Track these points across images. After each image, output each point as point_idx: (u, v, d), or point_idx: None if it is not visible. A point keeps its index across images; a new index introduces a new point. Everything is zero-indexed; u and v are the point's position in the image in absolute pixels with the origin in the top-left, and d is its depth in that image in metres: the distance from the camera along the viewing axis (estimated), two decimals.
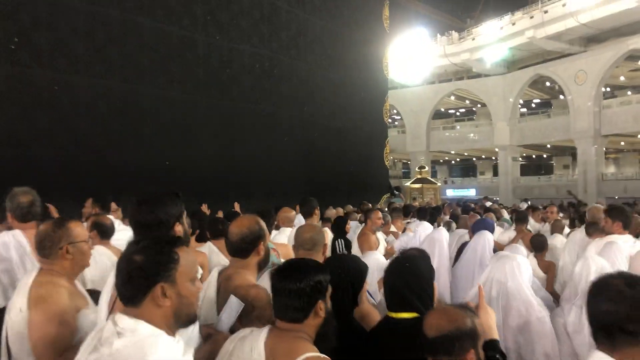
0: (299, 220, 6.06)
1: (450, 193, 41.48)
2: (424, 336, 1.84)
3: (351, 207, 10.75)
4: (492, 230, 5.53)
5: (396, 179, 42.46)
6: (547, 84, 40.23)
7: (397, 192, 15.76)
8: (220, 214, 6.92)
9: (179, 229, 2.30)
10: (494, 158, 42.37)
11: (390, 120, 50.25)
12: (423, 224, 7.50)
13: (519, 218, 6.99)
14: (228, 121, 11.08)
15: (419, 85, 41.58)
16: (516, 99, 37.91)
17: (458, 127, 44.31)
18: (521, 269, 3.42)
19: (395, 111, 46.41)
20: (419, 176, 24.94)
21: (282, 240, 5.03)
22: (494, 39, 34.91)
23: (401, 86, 42.72)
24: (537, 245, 5.49)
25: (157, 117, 9.95)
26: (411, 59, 38.63)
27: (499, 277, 3.40)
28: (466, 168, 55.74)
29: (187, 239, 2.53)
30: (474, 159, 52.54)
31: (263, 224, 2.75)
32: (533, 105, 45.89)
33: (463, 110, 49.56)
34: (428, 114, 41.88)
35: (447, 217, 9.84)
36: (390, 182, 17.58)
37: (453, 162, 55.88)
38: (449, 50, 37.83)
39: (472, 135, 41.97)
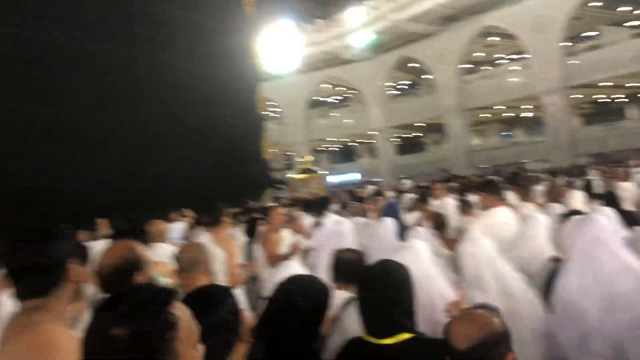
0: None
1: (336, 179, 41.98)
2: (454, 351, 1.55)
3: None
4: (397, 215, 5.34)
5: (281, 172, 42.32)
6: (414, 65, 41.81)
7: (281, 186, 15.20)
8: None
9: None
10: (372, 141, 43.46)
11: (272, 113, 50.30)
12: (331, 216, 6.94)
13: (420, 198, 6.96)
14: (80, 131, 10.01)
15: (292, 76, 41.53)
16: (384, 82, 39.00)
17: (334, 115, 44.88)
18: (420, 257, 3.07)
19: (275, 103, 46.22)
20: (302, 166, 24.77)
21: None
22: (359, 25, 35.60)
23: (276, 77, 42.48)
24: (440, 224, 5.29)
25: None
26: (281, 49, 38.45)
27: None
28: (347, 154, 56.77)
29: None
30: (355, 143, 53.62)
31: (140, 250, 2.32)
32: (405, 87, 47.51)
33: (341, 98, 50.28)
34: (303, 104, 42.00)
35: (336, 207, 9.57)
36: (272, 175, 16.65)
37: (333, 148, 56.67)
38: (317, 38, 38.13)
39: (348, 121, 42.70)
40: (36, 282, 1.77)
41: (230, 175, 13.21)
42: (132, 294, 1.13)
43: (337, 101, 50.35)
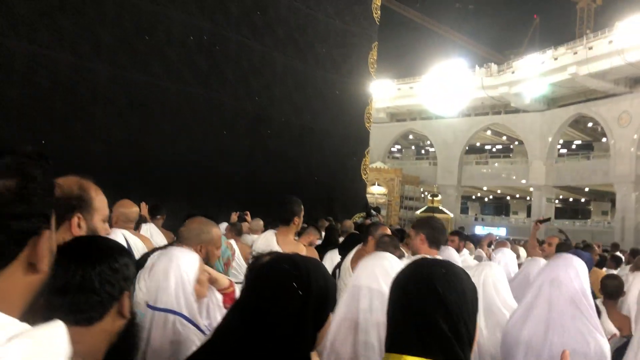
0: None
1: (480, 231, 39.72)
2: None
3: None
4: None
5: (425, 212, 41.14)
6: (590, 124, 38.54)
7: (374, 213, 13.86)
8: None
9: None
10: (528, 198, 40.56)
11: (423, 152, 49.48)
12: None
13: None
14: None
15: (454, 117, 40.43)
16: (555, 138, 36.31)
17: (492, 163, 42.70)
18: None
19: (428, 142, 45.35)
20: (430, 205, 23.38)
21: None
22: (534, 74, 33.58)
23: (435, 117, 41.68)
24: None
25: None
26: (447, 90, 37.61)
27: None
28: (499, 206, 53.77)
29: None
30: (508, 197, 50.66)
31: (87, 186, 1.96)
32: (573, 146, 44.00)
33: (500, 146, 47.98)
34: (461, 147, 40.57)
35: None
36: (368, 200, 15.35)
37: (486, 199, 54.04)
38: (487, 82, 36.63)
39: (506, 172, 40.35)
40: None
41: (320, 188, 12.14)
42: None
43: (497, 150, 47.94)
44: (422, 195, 46.61)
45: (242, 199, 9.27)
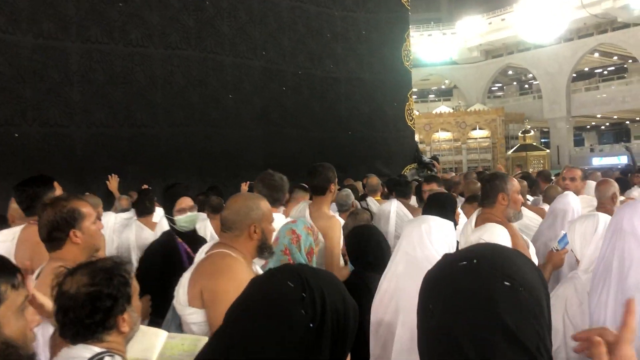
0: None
1: (597, 162, 36.92)
2: None
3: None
4: None
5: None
6: None
7: (429, 162, 12.03)
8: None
9: None
10: None
11: (527, 86, 46.52)
12: None
13: None
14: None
15: (555, 44, 37.45)
16: None
17: (604, 87, 39.21)
18: None
19: (530, 75, 42.57)
20: (522, 142, 21.67)
21: None
22: None
23: (534, 46, 38.95)
24: None
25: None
26: (542, 15, 34.83)
27: None
28: (619, 133, 49.64)
29: None
30: (627, 122, 46.55)
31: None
32: None
33: (612, 68, 43.93)
34: (567, 76, 37.59)
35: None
36: (418, 148, 13.08)
37: (602, 127, 50.08)
38: (587, 0, 33.35)
39: (621, 95, 36.89)
40: None
41: (359, 140, 10.88)
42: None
43: (608, 73, 43.94)
44: (531, 133, 44.19)
45: (260, 166, 8.11)
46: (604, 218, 2.53)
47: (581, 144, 47.01)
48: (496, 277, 0.93)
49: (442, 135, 37.08)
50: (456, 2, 42.42)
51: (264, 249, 2.39)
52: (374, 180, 7.12)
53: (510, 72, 46.94)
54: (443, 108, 39.80)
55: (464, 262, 0.97)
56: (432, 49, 41.88)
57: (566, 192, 4.41)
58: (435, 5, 44.40)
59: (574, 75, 39.66)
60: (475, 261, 0.96)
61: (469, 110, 38.21)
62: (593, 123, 47.31)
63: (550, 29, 35.64)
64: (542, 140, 45.21)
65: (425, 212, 3.08)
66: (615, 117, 43.82)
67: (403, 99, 12.17)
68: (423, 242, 2.43)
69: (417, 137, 14.98)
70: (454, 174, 13.20)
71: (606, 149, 40.84)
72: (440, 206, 3.30)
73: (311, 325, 1.00)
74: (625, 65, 41.84)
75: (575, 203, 4.14)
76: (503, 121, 34.99)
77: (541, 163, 19.96)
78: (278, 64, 9.63)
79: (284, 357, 0.98)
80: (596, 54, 40.26)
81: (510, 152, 22.97)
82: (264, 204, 2.41)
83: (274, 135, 9.34)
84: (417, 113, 35.83)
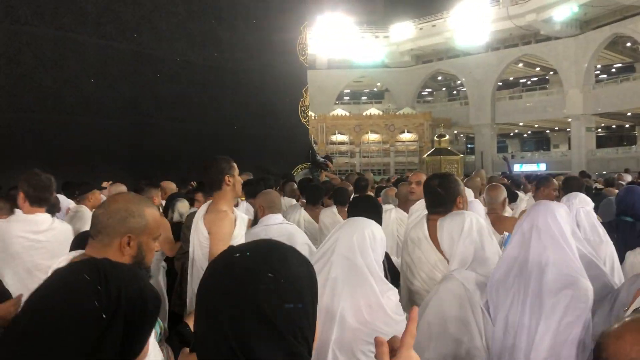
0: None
1: (517, 169, 38.26)
2: None
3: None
4: None
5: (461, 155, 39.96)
6: (628, 44, 36.11)
7: (323, 162, 11.57)
8: None
9: None
10: (568, 129, 38.70)
11: (455, 92, 47.69)
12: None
13: None
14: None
15: (482, 53, 38.59)
16: (590, 63, 34.14)
17: (527, 97, 40.71)
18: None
19: (459, 82, 43.66)
20: (437, 146, 22.19)
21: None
22: None
23: (463, 54, 39.95)
24: None
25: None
26: (471, 24, 35.81)
27: None
28: (539, 141, 51.84)
29: None
30: (547, 131, 48.65)
31: None
32: (613, 70, 41.47)
33: (535, 78, 45.75)
34: (493, 84, 38.82)
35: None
36: (313, 147, 12.27)
37: (525, 135, 52.10)
38: (513, 11, 34.51)
39: (542, 104, 38.40)
40: None
41: (250, 137, 10.10)
42: None
43: (532, 83, 45.76)
44: (457, 138, 45.28)
45: (124, 160, 7.65)
46: (470, 216, 2.49)
47: (505, 151, 48.63)
48: (261, 269, 1.03)
49: (372, 137, 37.42)
50: (392, 5, 42.84)
51: None
52: (291, 186, 6.66)
53: (439, 78, 48.01)
54: (373, 110, 40.14)
55: (238, 254, 1.07)
56: (365, 51, 42.17)
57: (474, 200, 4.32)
58: (371, 8, 44.67)
59: (500, 83, 41.00)
60: (248, 254, 1.07)
61: (397, 113, 38.74)
62: (516, 131, 49.13)
63: (478, 37, 36.68)
64: (468, 146, 46.54)
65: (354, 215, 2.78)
66: (536, 125, 45.66)
67: (297, 94, 11.51)
68: (365, 249, 2.28)
69: (314, 137, 14.25)
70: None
71: (527, 156, 42.46)
72: (373, 210, 3.10)
73: (104, 315, 1.02)
74: (547, 77, 43.64)
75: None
76: (430, 125, 35.66)
77: (454, 167, 20.35)
78: (152, 49, 8.71)
79: (75, 344, 1.00)
80: (520, 64, 41.78)
81: (425, 155, 23.39)
82: (151, 213, 1.91)
83: (144, 126, 8.45)
84: (312, 114, 35.83)
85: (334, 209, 4.73)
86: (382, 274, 2.32)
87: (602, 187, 8.59)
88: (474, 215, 2.54)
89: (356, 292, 2.20)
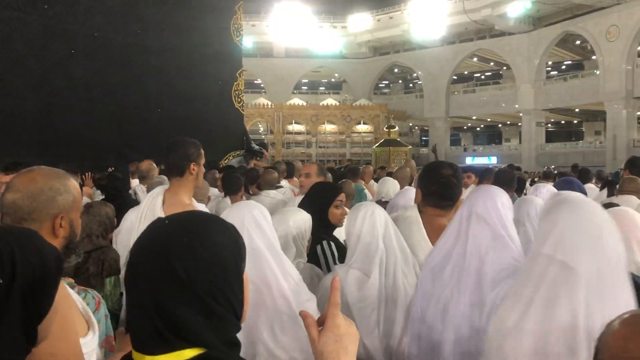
0: None
1: (469, 161, 39.00)
2: None
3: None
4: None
5: (414, 147, 40.40)
6: (578, 42, 37.18)
7: (258, 150, 10.74)
8: None
9: None
10: (519, 124, 39.64)
11: (411, 85, 48.14)
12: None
13: None
14: None
15: (438, 46, 39.04)
16: (542, 59, 35.03)
17: (480, 91, 41.47)
18: None
19: (415, 75, 44.06)
20: (386, 137, 22.36)
21: None
22: None
23: (419, 47, 40.29)
24: None
25: None
26: (428, 17, 36.12)
27: None
28: (492, 135, 52.96)
29: None
30: (500, 125, 49.73)
31: None
32: (563, 67, 42.69)
33: (489, 73, 46.64)
34: (447, 77, 39.33)
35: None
36: (248, 134, 11.62)
37: (478, 128, 53.13)
38: (469, 5, 34.95)
39: (494, 99, 39.18)
40: None
41: (177, 122, 9.38)
42: None
43: (486, 77, 46.63)
44: (412, 131, 45.77)
45: (32, 143, 7.08)
46: (365, 208, 2.45)
47: (458, 144, 49.50)
48: (178, 235, 1.06)
49: (329, 127, 37.42)
50: None
51: (70, 249, 1.71)
52: (212, 174, 6.14)
53: (396, 70, 48.36)
54: (330, 101, 40.12)
55: (160, 224, 1.11)
56: (323, 41, 42.02)
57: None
58: None
59: (454, 77, 41.59)
60: (167, 222, 1.10)
61: (354, 104, 38.83)
62: (469, 124, 50.02)
63: (434, 31, 37.05)
64: (423, 139, 47.12)
65: None
66: (489, 119, 46.59)
67: (230, 77, 10.73)
68: (262, 228, 2.10)
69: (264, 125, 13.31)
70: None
71: (479, 150, 43.31)
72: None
73: (0, 281, 1.01)
74: (500, 72, 44.52)
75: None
76: (386, 117, 35.89)
77: (404, 159, 20.53)
78: (65, 23, 7.87)
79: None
80: (475, 59, 42.46)
81: (374, 146, 23.55)
82: (74, 186, 1.73)
83: (55, 107, 7.69)
84: (268, 103, 35.76)
85: (228, 200, 4.65)
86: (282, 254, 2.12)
87: (538, 179, 8.74)
88: (366, 206, 2.52)
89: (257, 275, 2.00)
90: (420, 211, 2.74)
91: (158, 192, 3.00)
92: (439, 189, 2.68)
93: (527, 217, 2.88)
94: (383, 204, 4.82)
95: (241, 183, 4.78)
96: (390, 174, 6.95)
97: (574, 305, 1.40)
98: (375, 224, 2.38)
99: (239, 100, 10.82)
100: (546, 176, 8.64)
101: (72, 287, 1.76)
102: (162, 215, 2.77)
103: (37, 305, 1.07)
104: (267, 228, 2.11)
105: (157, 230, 1.10)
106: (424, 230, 2.66)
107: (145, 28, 9.12)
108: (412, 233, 2.64)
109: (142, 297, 1.04)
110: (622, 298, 1.41)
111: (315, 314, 2.08)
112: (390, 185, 5.00)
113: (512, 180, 4.55)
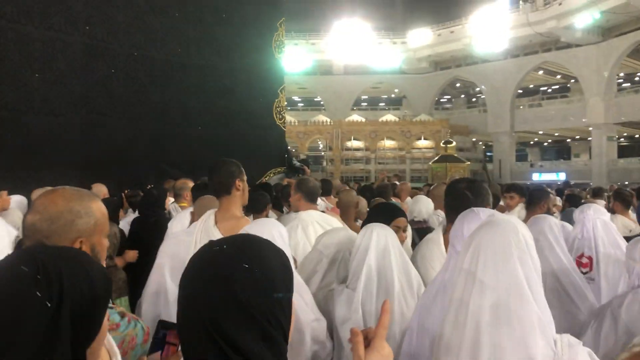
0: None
1: (537, 177, 37.57)
2: None
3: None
4: None
5: (477, 163, 39.40)
6: None
7: (300, 167, 10.41)
8: None
9: None
10: (589, 138, 37.92)
11: (474, 99, 47.12)
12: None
13: None
14: None
15: (501, 60, 38.06)
16: (612, 71, 33.41)
17: (546, 105, 40.01)
18: None
19: (478, 89, 43.13)
20: (443, 152, 21.84)
21: None
22: (584, 2, 30.75)
23: (482, 60, 39.45)
24: None
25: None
26: (491, 30, 35.36)
27: None
28: (560, 150, 50.94)
29: None
30: (568, 140, 47.77)
31: None
32: (637, 78, 40.60)
33: (557, 86, 44.99)
34: (512, 91, 38.22)
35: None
36: (289, 151, 11.41)
37: (545, 143, 51.25)
38: (533, 18, 33.94)
39: (562, 113, 37.68)
40: None
41: (219, 140, 9.41)
42: None
43: (552, 91, 44.99)
44: (476, 146, 44.69)
45: (75, 161, 7.04)
46: (367, 228, 2.54)
47: (525, 159, 47.91)
48: (237, 260, 1.09)
49: (388, 143, 37.11)
50: (409, 11, 42.65)
51: None
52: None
53: (458, 85, 47.51)
54: (389, 116, 39.83)
55: (217, 247, 1.13)
56: (382, 57, 41.93)
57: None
58: (388, 14, 44.47)
59: (519, 91, 40.38)
60: (225, 247, 1.13)
61: (414, 120, 38.37)
62: (536, 139, 48.35)
63: (497, 44, 36.19)
64: (488, 154, 45.92)
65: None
66: (556, 134, 44.87)
67: (272, 94, 10.62)
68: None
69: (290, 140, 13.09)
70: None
71: (546, 165, 41.70)
72: None
73: (48, 304, 1.01)
74: (568, 85, 42.88)
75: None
76: (447, 133, 35.23)
77: (461, 175, 19.96)
78: (106, 42, 8.00)
79: (26, 337, 0.99)
80: (541, 72, 41.12)
81: (431, 162, 23.04)
82: (98, 208, 1.69)
83: (97, 125, 7.78)
84: (327, 120, 35.66)
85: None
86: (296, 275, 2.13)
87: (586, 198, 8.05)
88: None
89: None
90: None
91: (209, 214, 3.04)
92: (456, 203, 2.69)
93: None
94: (415, 223, 4.63)
95: (267, 201, 4.68)
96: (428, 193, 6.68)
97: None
98: (370, 244, 2.45)
99: (281, 117, 10.75)
100: (595, 194, 8.09)
101: (123, 316, 1.75)
102: (218, 232, 2.89)
103: (85, 328, 1.09)
104: (282, 247, 2.11)
105: (214, 255, 1.12)
106: (443, 247, 2.77)
107: (186, 46, 9.22)
108: (432, 253, 2.79)
109: (201, 317, 1.06)
110: (524, 312, 1.46)
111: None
112: (423, 204, 4.80)
113: (541, 199, 4.27)
